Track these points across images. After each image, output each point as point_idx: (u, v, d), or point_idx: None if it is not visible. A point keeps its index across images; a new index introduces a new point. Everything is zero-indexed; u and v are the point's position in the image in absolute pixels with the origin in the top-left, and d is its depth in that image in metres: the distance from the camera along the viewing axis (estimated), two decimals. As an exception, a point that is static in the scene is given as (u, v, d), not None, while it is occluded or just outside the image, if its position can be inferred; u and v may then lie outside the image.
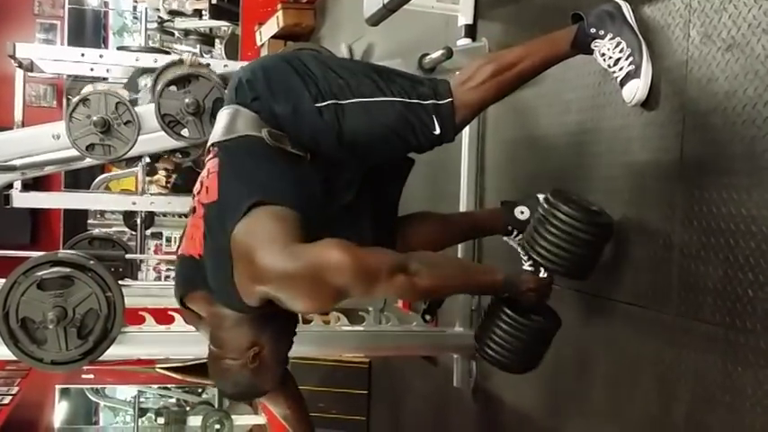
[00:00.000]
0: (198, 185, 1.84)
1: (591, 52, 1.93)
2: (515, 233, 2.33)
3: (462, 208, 2.88)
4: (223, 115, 1.87)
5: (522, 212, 2.31)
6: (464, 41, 2.90)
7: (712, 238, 1.65)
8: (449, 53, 2.55)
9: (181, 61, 3.53)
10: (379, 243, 1.94)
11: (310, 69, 1.85)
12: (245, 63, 2.30)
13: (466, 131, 2.86)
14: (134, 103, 3.90)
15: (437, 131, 1.84)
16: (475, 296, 2.87)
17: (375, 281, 1.62)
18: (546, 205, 1.90)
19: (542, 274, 1.94)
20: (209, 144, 1.89)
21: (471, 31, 2.93)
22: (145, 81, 3.85)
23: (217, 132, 1.86)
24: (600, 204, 1.97)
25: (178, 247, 1.91)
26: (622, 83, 1.89)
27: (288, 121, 1.80)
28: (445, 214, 2.42)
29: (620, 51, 1.88)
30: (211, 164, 1.81)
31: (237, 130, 1.80)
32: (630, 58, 1.86)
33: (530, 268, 2.36)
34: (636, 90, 1.86)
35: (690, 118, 1.76)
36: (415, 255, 1.75)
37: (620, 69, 1.88)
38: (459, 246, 2.76)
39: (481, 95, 1.87)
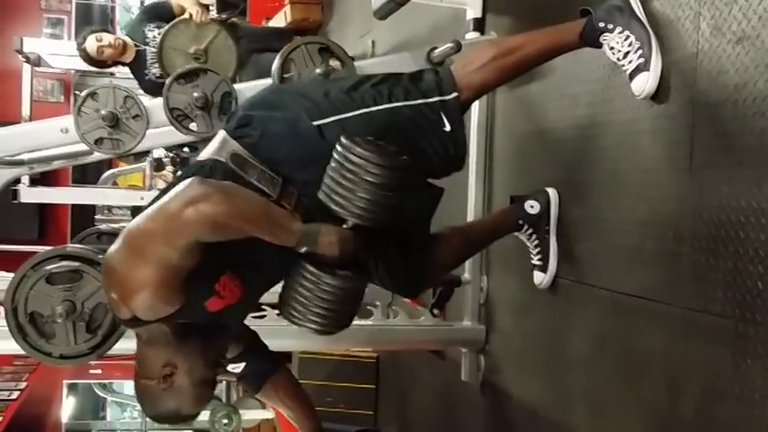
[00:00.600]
0: None
1: (600, 46, 1.92)
2: (526, 228, 2.33)
3: (471, 202, 2.88)
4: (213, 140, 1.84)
5: (533, 207, 2.32)
6: (473, 35, 2.90)
7: (722, 231, 1.65)
8: (457, 47, 2.55)
9: (190, 17, 3.57)
10: (412, 276, 2.03)
11: (309, 92, 1.84)
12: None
13: (474, 125, 2.86)
14: (143, 54, 3.92)
15: (447, 128, 1.82)
16: (483, 291, 2.88)
17: (180, 228, 1.49)
18: (339, 149, 1.67)
19: (346, 225, 1.69)
20: None
21: (480, 25, 2.92)
22: (152, 33, 3.86)
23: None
24: (610, 198, 1.96)
25: None
26: (632, 76, 1.89)
27: (280, 143, 1.75)
28: (464, 228, 2.43)
29: (629, 45, 1.87)
30: None
31: (210, 154, 1.77)
32: (639, 51, 1.86)
33: (539, 263, 2.38)
34: (645, 83, 1.86)
35: (700, 110, 1.76)
36: (213, 183, 1.58)
37: (630, 62, 1.88)
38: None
39: (483, 77, 1.87)
